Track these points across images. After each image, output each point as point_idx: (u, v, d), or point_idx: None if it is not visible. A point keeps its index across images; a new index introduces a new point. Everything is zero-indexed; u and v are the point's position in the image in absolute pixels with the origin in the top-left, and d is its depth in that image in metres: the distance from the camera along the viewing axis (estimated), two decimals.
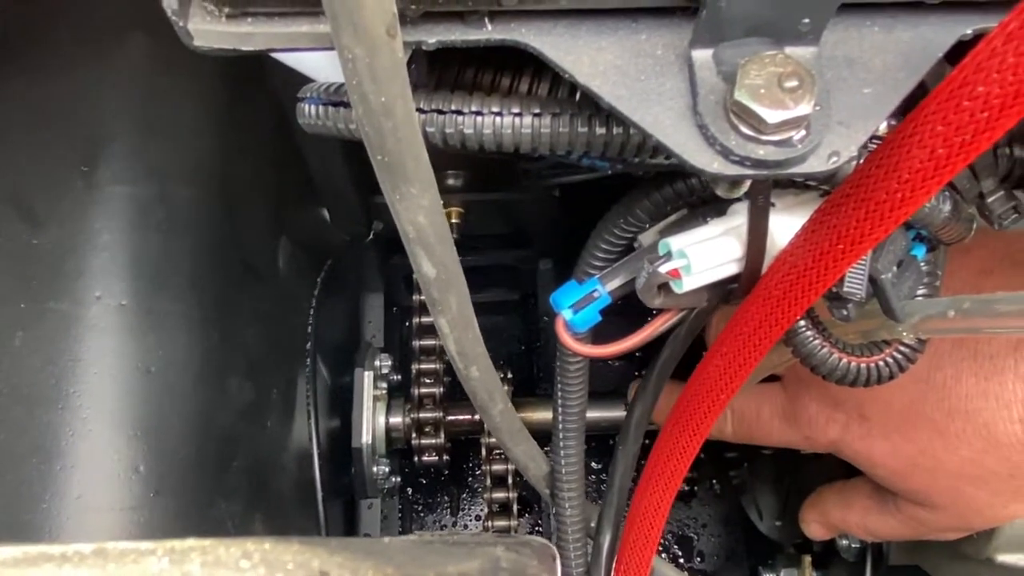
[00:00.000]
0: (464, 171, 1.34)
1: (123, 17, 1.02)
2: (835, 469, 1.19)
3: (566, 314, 0.71)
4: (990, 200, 0.68)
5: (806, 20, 0.48)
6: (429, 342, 1.53)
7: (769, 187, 0.61)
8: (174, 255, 0.98)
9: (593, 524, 0.96)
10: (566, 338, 0.73)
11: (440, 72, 0.60)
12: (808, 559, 1.42)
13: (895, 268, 0.65)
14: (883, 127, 0.55)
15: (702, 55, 0.49)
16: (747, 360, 0.71)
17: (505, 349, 1.82)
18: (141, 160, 0.98)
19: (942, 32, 0.51)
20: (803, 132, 0.48)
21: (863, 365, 0.70)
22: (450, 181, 1.36)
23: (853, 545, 1.32)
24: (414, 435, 1.47)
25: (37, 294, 0.91)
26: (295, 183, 1.32)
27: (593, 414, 1.34)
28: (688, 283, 0.66)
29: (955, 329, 0.64)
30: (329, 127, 0.61)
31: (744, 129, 0.48)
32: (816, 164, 0.49)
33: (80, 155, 0.96)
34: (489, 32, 0.50)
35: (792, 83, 0.46)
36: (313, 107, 0.62)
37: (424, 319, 1.52)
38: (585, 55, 0.51)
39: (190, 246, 1.00)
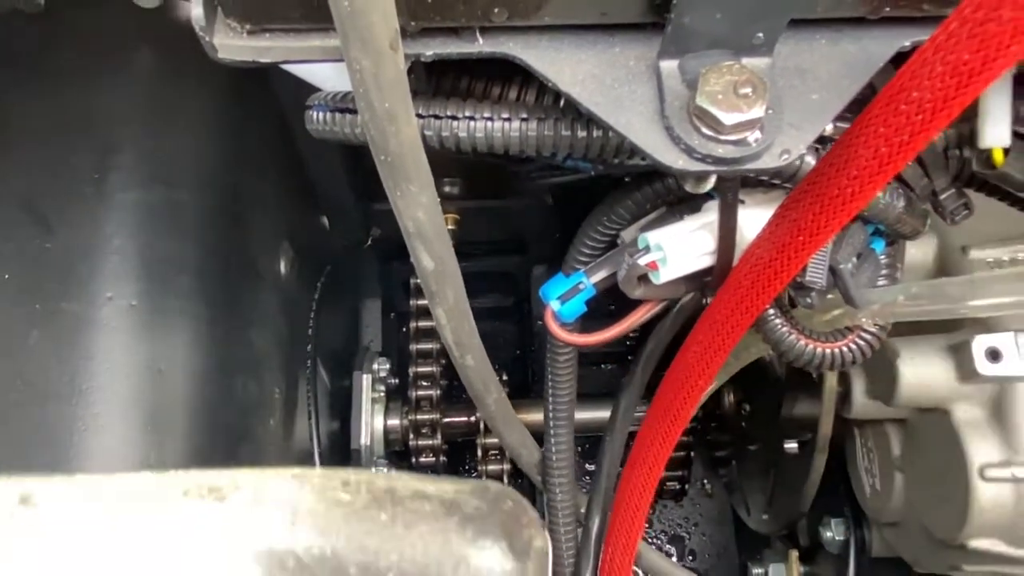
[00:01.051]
0: (460, 179, 1.41)
1: (132, 33, 1.08)
2: (816, 463, 1.26)
3: (554, 305, 0.78)
4: (943, 197, 0.75)
5: (760, 35, 0.55)
6: (426, 346, 1.59)
7: (737, 185, 0.68)
8: (181, 258, 1.04)
9: (583, 511, 1.03)
10: (554, 327, 0.80)
11: (437, 81, 0.67)
12: (795, 554, 1.49)
13: (854, 259, 0.72)
14: (830, 128, 0.62)
15: (669, 65, 0.57)
16: (721, 347, 0.78)
17: (500, 354, 1.89)
18: (149, 167, 1.04)
19: (883, 44, 0.59)
20: (758, 133, 0.55)
21: (828, 350, 0.77)
22: (446, 188, 1.42)
23: (837, 538, 1.38)
24: (411, 437, 1.53)
25: (51, 295, 0.96)
26: (297, 191, 1.38)
27: (587, 415, 1.42)
28: (665, 274, 0.73)
29: (908, 313, 0.71)
30: (336, 132, 0.68)
31: (705, 130, 0.55)
32: (769, 160, 0.56)
33: (91, 163, 1.02)
34: (480, 46, 0.57)
35: (746, 90, 0.54)
36: (320, 114, 0.69)
37: (421, 323, 1.59)
38: (566, 66, 0.58)
39: (196, 250, 1.06)
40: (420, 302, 1.60)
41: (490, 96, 0.66)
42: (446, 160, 1.34)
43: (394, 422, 1.52)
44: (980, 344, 1.03)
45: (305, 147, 1.30)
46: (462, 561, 0.37)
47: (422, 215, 0.63)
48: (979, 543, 1.09)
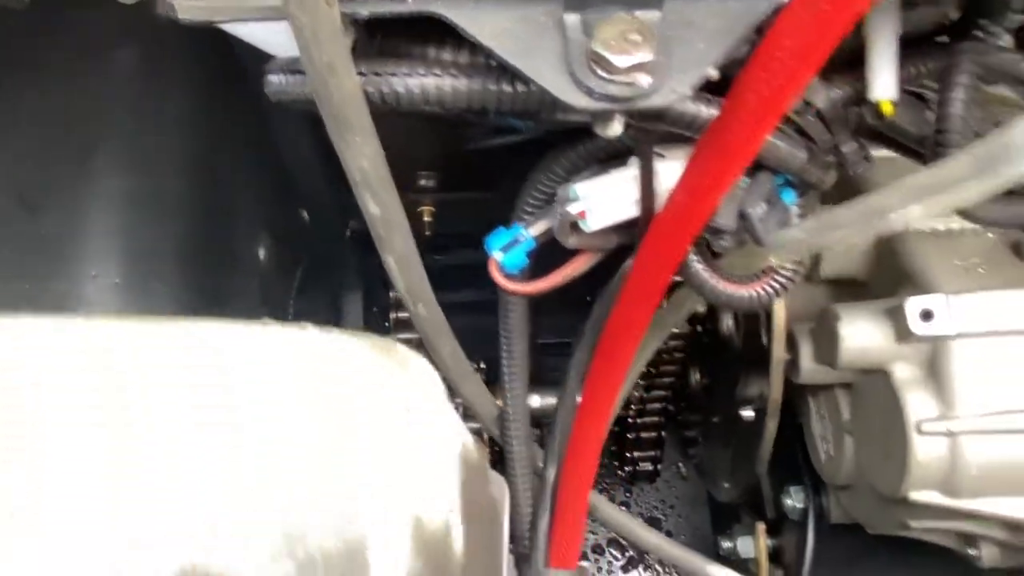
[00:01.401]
0: (436, 172, 1.49)
1: (115, 28, 1.18)
2: (769, 427, 1.35)
3: (497, 256, 0.88)
4: (845, 151, 0.84)
5: None
6: (406, 335, 1.68)
7: (652, 137, 0.78)
8: (162, 240, 1.13)
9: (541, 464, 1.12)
10: (498, 277, 0.89)
11: (380, 44, 0.77)
12: (762, 526, 1.57)
13: (764, 205, 0.81)
14: (714, 73, 0.71)
15: (572, 19, 0.67)
16: (652, 294, 0.87)
17: (480, 347, 1.96)
18: (132, 156, 1.14)
19: (763, 1, 0.68)
20: (648, 76, 0.65)
21: (746, 292, 0.86)
22: (422, 182, 1.50)
23: (797, 505, 1.47)
24: None
25: (39, 275, 1.05)
26: (275, 183, 1.48)
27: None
28: (592, 222, 0.83)
29: (813, 245, 0.79)
30: (290, 92, 0.78)
31: (601, 73, 0.65)
32: (659, 99, 0.66)
33: (77, 152, 1.11)
34: (410, 5, 0.67)
35: (635, 37, 0.63)
36: (276, 77, 0.79)
37: (401, 314, 1.67)
38: (486, 22, 0.68)
39: (176, 233, 1.15)
40: (399, 315, 1.69)
41: (427, 57, 0.76)
42: (422, 154, 1.44)
43: None
44: (913, 305, 1.13)
45: (282, 141, 1.40)
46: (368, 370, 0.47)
47: (366, 164, 0.72)
48: (919, 496, 1.17)
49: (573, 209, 0.82)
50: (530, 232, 0.88)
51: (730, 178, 0.73)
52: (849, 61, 0.80)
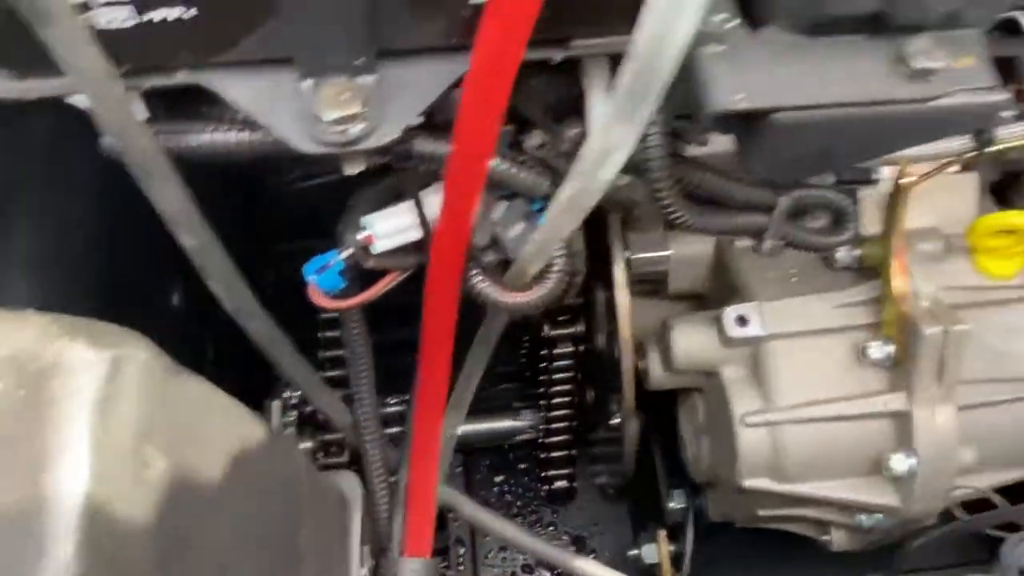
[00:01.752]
0: None
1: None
2: (628, 430, 1.55)
3: (313, 279, 1.09)
4: None
5: (359, 61, 0.87)
6: (333, 373, 1.89)
7: (412, 175, 1.00)
8: (71, 295, 1.34)
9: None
10: (315, 296, 1.11)
11: (181, 108, 0.98)
12: (663, 532, 1.76)
13: (521, 225, 1.03)
14: (419, 120, 0.92)
15: (307, 84, 0.89)
16: (446, 306, 1.08)
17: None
18: (42, 214, 1.35)
19: (460, 65, 0.89)
20: (361, 124, 0.87)
21: (519, 299, 1.07)
22: None
23: (678, 506, 1.67)
24: (321, 455, 1.82)
25: None
26: None
27: (487, 426, 1.74)
28: (379, 246, 1.05)
29: (548, 241, 0.98)
30: (115, 150, 1.00)
31: (322, 124, 0.87)
32: (372, 142, 0.88)
33: None
34: (180, 79, 0.89)
35: (345, 96, 0.85)
36: (106, 138, 1.01)
37: (328, 353, 1.88)
38: (244, 90, 0.90)
39: (88, 285, 1.37)
40: (327, 334, 1.90)
41: (219, 116, 0.97)
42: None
43: (305, 444, 1.81)
44: (730, 313, 1.34)
45: (198, 191, 1.61)
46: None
47: (175, 205, 0.94)
48: (753, 483, 1.37)
49: (360, 236, 1.05)
50: (340, 256, 1.09)
51: (471, 200, 0.95)
52: (579, 109, 1.02)
